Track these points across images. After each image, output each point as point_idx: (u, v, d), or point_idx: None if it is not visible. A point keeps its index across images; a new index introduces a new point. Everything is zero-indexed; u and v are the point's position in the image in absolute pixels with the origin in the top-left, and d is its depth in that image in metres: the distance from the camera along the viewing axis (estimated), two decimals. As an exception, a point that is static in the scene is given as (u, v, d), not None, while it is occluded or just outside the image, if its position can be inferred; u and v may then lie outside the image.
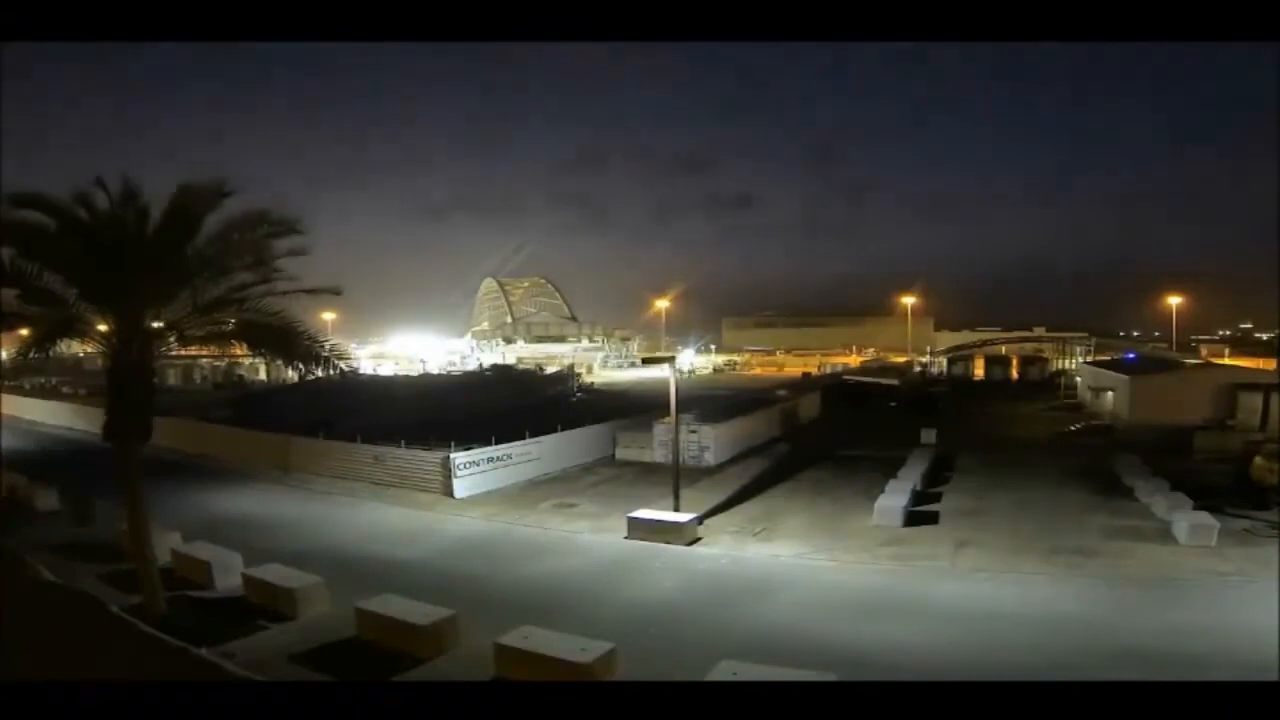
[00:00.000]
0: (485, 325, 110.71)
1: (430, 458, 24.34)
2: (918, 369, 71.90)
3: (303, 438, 28.60)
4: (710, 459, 27.74)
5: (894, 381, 56.37)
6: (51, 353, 12.52)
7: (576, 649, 10.75)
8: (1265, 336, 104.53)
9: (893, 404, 46.85)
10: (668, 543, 17.88)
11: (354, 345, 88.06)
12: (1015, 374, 65.09)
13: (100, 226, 12.26)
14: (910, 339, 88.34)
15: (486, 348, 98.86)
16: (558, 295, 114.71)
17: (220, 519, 20.74)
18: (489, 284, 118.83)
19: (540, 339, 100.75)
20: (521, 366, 78.24)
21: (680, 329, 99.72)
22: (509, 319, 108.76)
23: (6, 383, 38.60)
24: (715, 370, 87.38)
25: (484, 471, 24.17)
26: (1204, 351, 76.48)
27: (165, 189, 12.60)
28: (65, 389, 55.13)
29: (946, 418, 38.59)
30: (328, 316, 60.59)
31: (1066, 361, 62.50)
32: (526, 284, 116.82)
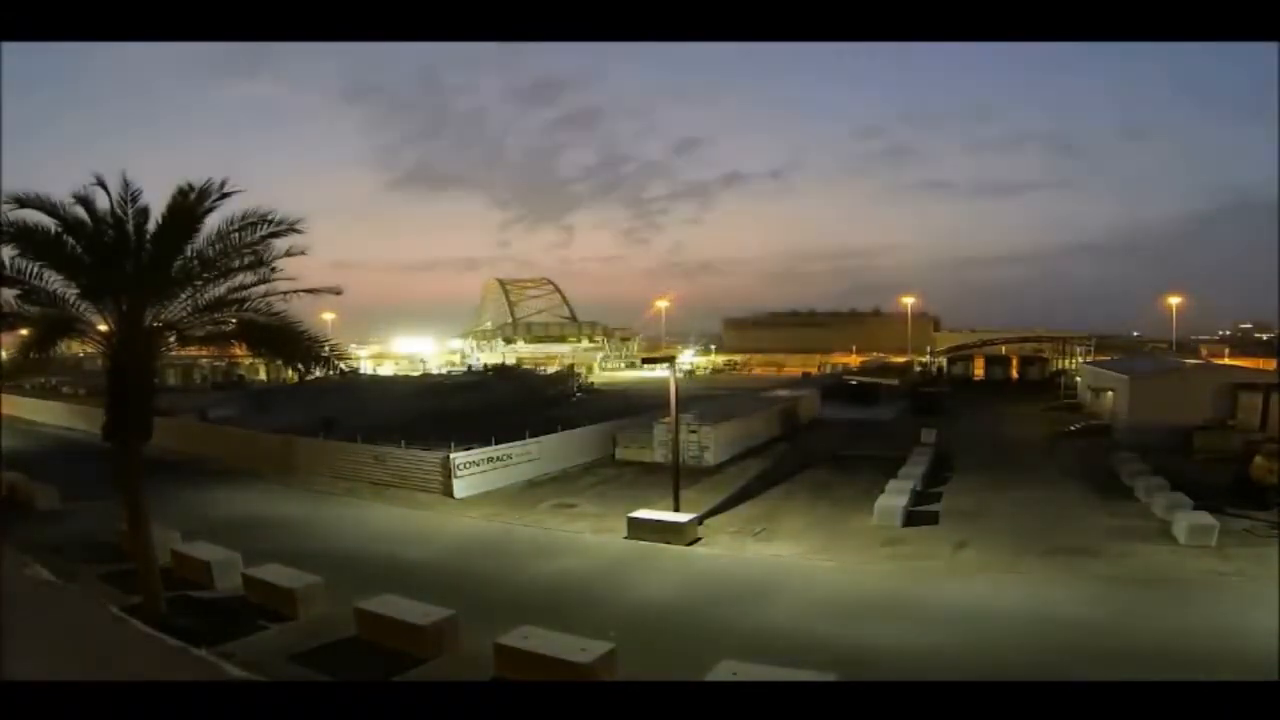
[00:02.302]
0: (489, 325, 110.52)
1: (430, 458, 24.35)
2: (918, 369, 71.90)
3: (303, 438, 28.62)
4: (710, 459, 27.73)
5: (894, 381, 56.34)
6: (51, 353, 12.53)
7: (576, 649, 10.74)
8: (1265, 337, 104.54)
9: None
10: (668, 543, 17.88)
11: (352, 346, 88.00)
12: (1015, 374, 65.09)
13: (100, 226, 12.27)
14: (910, 339, 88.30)
15: (486, 348, 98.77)
16: (559, 295, 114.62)
17: (220, 519, 20.70)
18: (491, 284, 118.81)
19: (539, 339, 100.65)
20: (522, 367, 78.27)
21: (681, 329, 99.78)
22: (510, 319, 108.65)
23: (6, 383, 38.61)
24: (715, 370, 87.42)
25: (484, 472, 24.17)
26: (1204, 351, 76.50)
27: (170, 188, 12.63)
28: (65, 389, 55.12)
29: (946, 417, 38.63)
30: (328, 316, 60.52)
31: (1066, 362, 62.47)
32: (530, 284, 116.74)
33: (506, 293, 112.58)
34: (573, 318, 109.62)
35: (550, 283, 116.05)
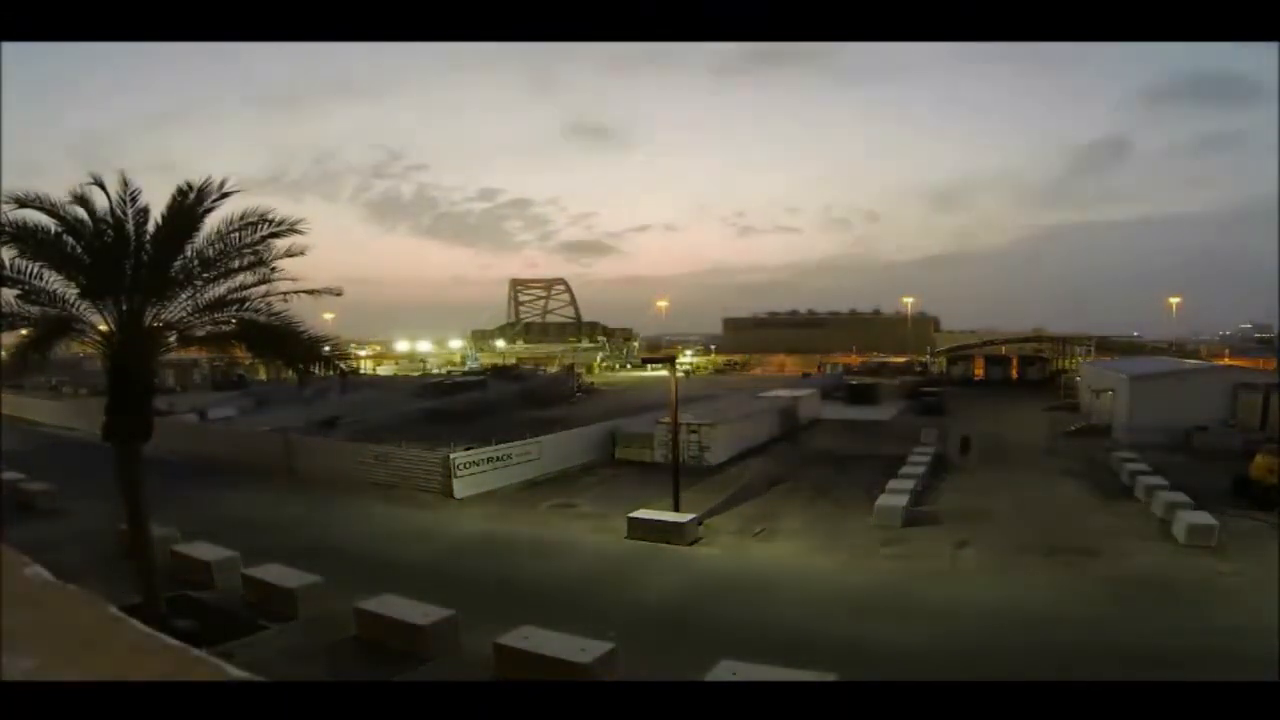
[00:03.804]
0: (507, 323, 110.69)
1: (430, 457, 24.36)
2: (918, 369, 72.00)
3: (303, 437, 28.64)
4: (710, 459, 27.73)
5: (894, 382, 56.44)
6: (51, 353, 12.53)
7: (576, 649, 10.75)
8: (1265, 337, 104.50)
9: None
10: (668, 543, 17.88)
11: (352, 346, 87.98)
12: (1015, 374, 65.17)
13: (100, 226, 12.27)
14: (911, 340, 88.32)
15: (486, 348, 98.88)
16: (567, 295, 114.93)
17: (220, 519, 20.68)
18: (514, 284, 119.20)
19: (539, 339, 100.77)
20: (522, 366, 78.35)
21: (681, 330, 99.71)
22: (514, 319, 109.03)
23: (6, 383, 38.60)
24: (716, 370, 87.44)
25: (484, 471, 24.19)
26: (1203, 352, 76.58)
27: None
28: (65, 389, 55.16)
29: (947, 418, 38.66)
30: (328, 316, 60.40)
31: (1066, 362, 62.54)
32: (540, 284, 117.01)
33: (516, 293, 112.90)
34: (578, 318, 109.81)
35: (563, 282, 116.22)
